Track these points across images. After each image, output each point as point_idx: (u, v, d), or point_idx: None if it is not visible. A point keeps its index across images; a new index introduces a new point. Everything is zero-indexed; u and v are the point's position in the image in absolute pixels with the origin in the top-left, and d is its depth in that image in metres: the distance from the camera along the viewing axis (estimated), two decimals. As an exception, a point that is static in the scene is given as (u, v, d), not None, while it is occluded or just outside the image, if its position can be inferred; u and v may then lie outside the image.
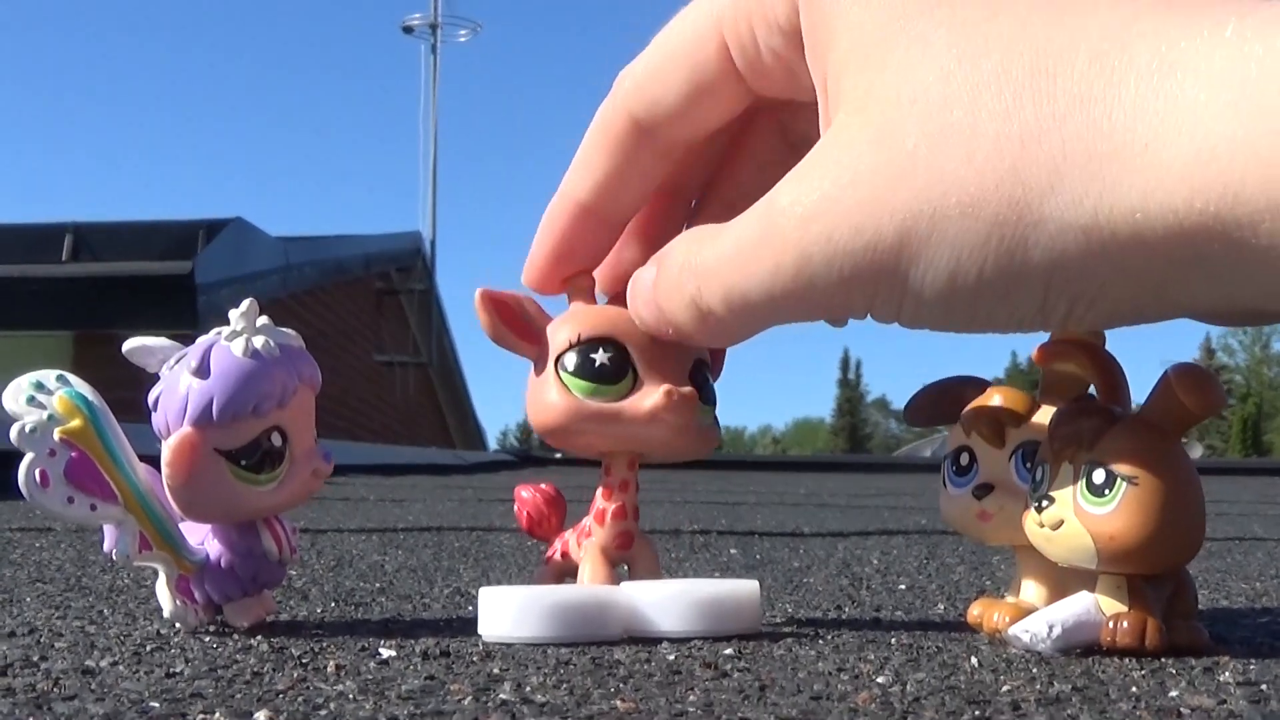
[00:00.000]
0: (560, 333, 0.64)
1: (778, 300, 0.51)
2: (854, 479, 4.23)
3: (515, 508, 0.70)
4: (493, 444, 20.90)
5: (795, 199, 0.50)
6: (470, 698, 0.45)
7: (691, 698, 0.46)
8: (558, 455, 6.03)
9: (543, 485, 0.70)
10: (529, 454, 6.16)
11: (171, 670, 0.51)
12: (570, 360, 0.63)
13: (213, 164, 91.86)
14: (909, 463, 6.21)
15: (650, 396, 0.62)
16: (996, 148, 0.45)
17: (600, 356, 0.62)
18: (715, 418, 0.65)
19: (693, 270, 0.55)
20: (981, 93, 0.45)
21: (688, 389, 0.62)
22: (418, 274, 12.23)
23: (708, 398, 0.64)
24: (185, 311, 6.94)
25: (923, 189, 0.46)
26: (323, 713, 0.43)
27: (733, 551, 1.25)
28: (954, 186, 0.45)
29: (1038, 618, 0.56)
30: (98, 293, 7.35)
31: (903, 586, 0.90)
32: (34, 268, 7.52)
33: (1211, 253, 0.42)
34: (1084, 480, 0.55)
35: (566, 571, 0.67)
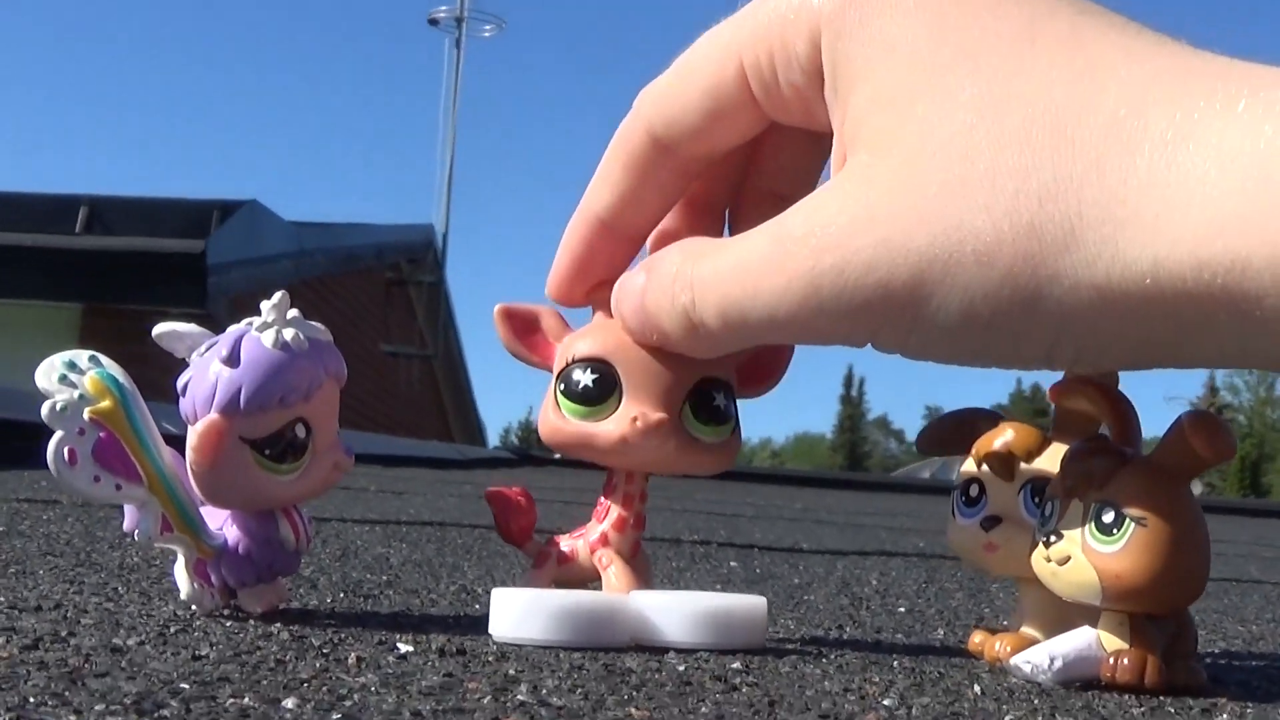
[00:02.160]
0: (566, 348, 0.65)
1: (778, 322, 0.52)
2: (852, 496, 4.22)
3: (492, 511, 0.70)
4: (494, 441, 20.90)
5: (809, 230, 0.51)
6: (489, 697, 0.46)
7: (703, 710, 0.47)
8: (556, 456, 6.03)
9: (513, 488, 0.70)
10: (528, 453, 6.15)
11: (197, 653, 0.52)
12: (565, 379, 0.64)
13: (230, 146, 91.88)
14: (907, 483, 6.20)
15: (618, 423, 0.62)
16: (1015, 203, 0.46)
17: (585, 378, 0.63)
18: (732, 432, 0.65)
19: (688, 281, 0.56)
20: (1003, 149, 0.46)
21: (656, 416, 0.62)
22: (428, 266, 12.22)
23: (712, 417, 0.64)
24: (195, 290, 6.93)
25: (940, 234, 0.47)
26: (347, 703, 0.44)
27: (733, 564, 1.26)
28: (970, 235, 0.47)
29: (1039, 649, 0.57)
30: (109, 267, 7.33)
31: (902, 609, 0.91)
32: (47, 238, 7.51)
33: (1218, 318, 0.44)
34: (1093, 518, 0.56)
35: (564, 578, 0.67)
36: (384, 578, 0.87)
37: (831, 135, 0.54)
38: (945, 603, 0.98)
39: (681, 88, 0.59)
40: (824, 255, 0.50)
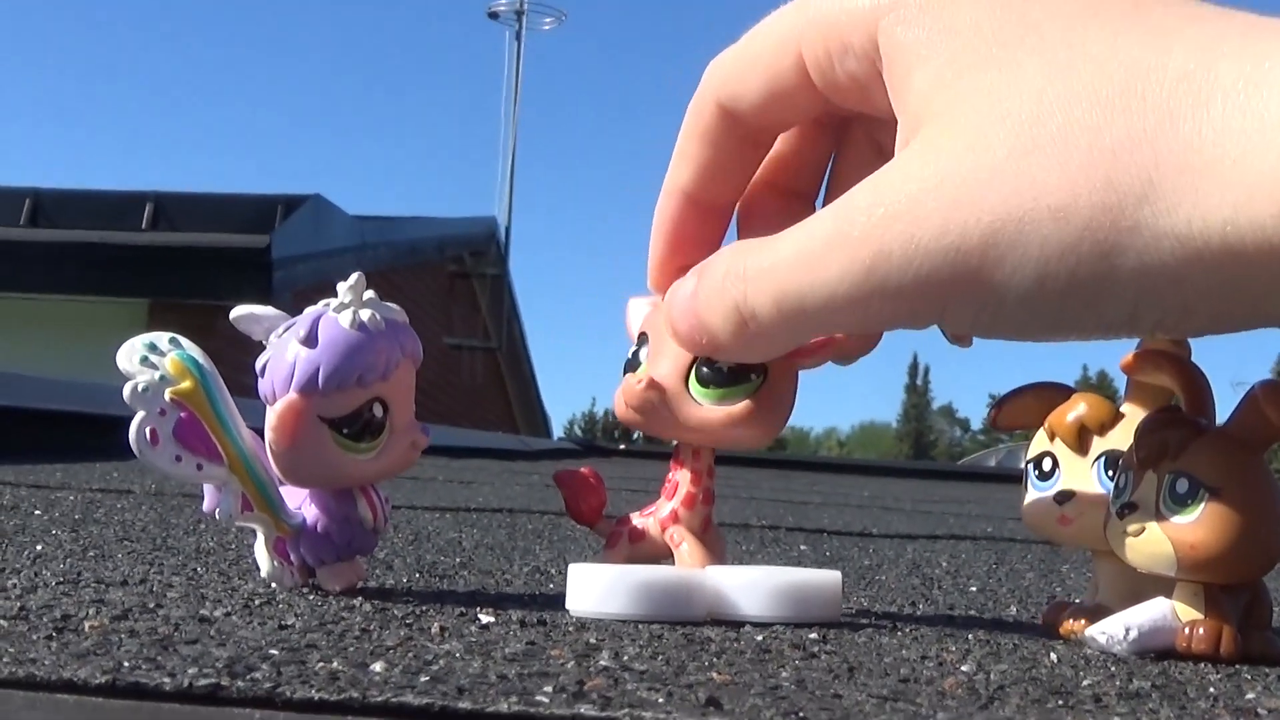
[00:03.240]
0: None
1: (839, 303, 0.51)
2: (919, 485, 4.22)
3: (562, 493, 0.71)
4: (558, 432, 20.93)
5: (876, 200, 0.50)
6: (572, 662, 0.47)
7: (784, 674, 0.47)
8: (621, 447, 6.05)
9: (581, 469, 0.71)
10: (593, 444, 6.17)
11: (283, 623, 0.53)
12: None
13: (294, 141, 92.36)
14: (974, 472, 6.18)
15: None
16: (1089, 158, 0.45)
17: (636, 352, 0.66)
18: (755, 391, 0.64)
19: (739, 275, 0.55)
20: (1073, 108, 0.46)
21: (638, 380, 0.63)
22: (491, 259, 12.26)
23: (710, 380, 0.64)
24: (260, 285, 6.98)
25: (1012, 193, 0.47)
26: (434, 668, 0.45)
27: (803, 548, 1.26)
28: (1045, 191, 0.46)
29: (1115, 620, 0.57)
30: (175, 262, 7.39)
31: (974, 588, 0.91)
32: (113, 234, 7.58)
33: None
34: (1167, 489, 0.56)
35: (636, 556, 0.67)
36: (458, 560, 0.88)
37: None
38: (1017, 582, 0.98)
39: (744, 68, 0.59)
40: (892, 224, 0.49)
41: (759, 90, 0.58)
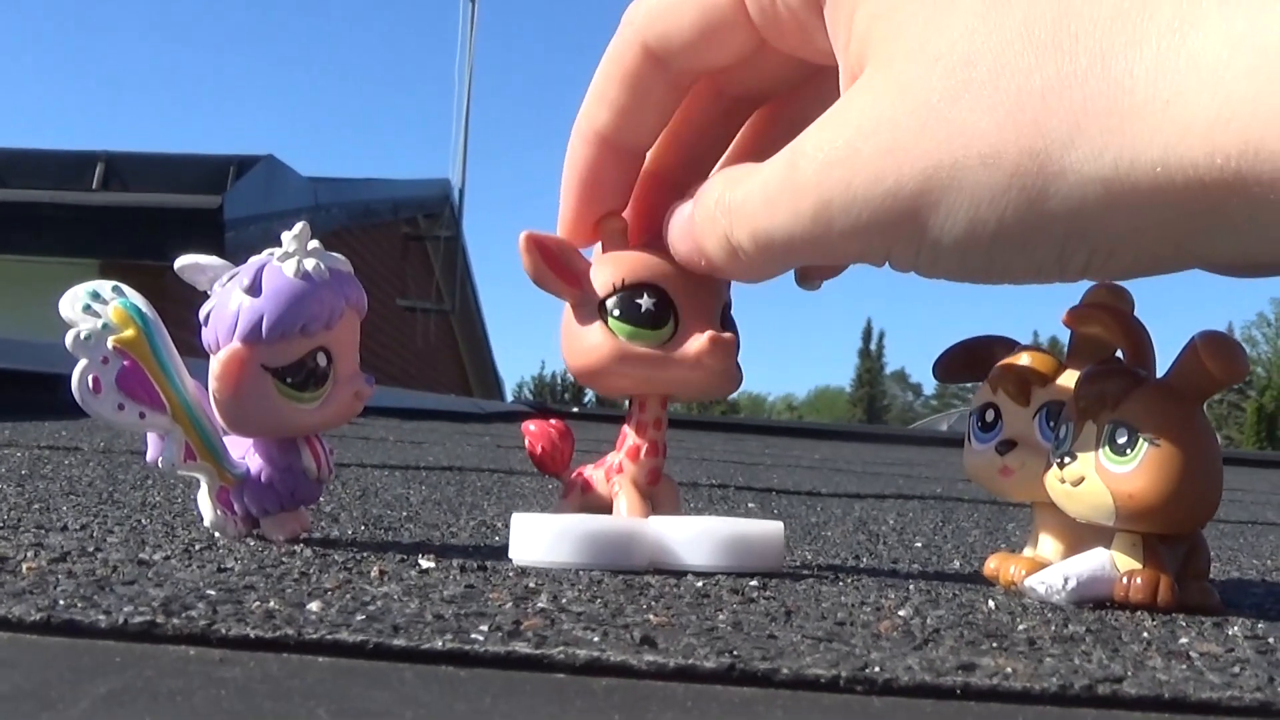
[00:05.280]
0: (602, 276, 0.65)
1: (797, 243, 0.53)
2: (870, 448, 4.22)
3: (526, 441, 0.71)
4: (509, 396, 20.91)
5: (818, 145, 0.51)
6: (510, 604, 0.47)
7: (721, 617, 0.48)
8: (574, 410, 6.05)
9: (551, 420, 0.71)
10: (545, 406, 6.16)
11: (223, 566, 0.53)
12: (615, 304, 0.64)
13: (246, 101, 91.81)
14: (925, 436, 6.20)
15: (696, 342, 0.63)
16: (1018, 102, 0.46)
17: (645, 302, 0.63)
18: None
19: (725, 208, 0.56)
20: (1005, 50, 0.47)
21: (728, 334, 0.64)
22: (445, 221, 12.21)
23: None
24: (213, 246, 6.90)
25: (944, 140, 0.47)
26: (371, 608, 0.45)
27: (750, 505, 1.26)
28: (975, 138, 0.47)
29: (1053, 570, 0.58)
30: (126, 222, 7.34)
31: (919, 544, 0.91)
32: (64, 194, 7.52)
33: (1230, 208, 0.44)
34: (1107, 439, 0.56)
35: (588, 506, 0.68)
36: (404, 514, 0.88)
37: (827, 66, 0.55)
38: (962, 539, 0.98)
39: (676, 5, 0.59)
40: (831, 170, 0.50)
41: (691, 26, 0.58)
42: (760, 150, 0.64)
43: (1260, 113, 0.42)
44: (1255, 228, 0.44)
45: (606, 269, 0.65)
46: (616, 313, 0.64)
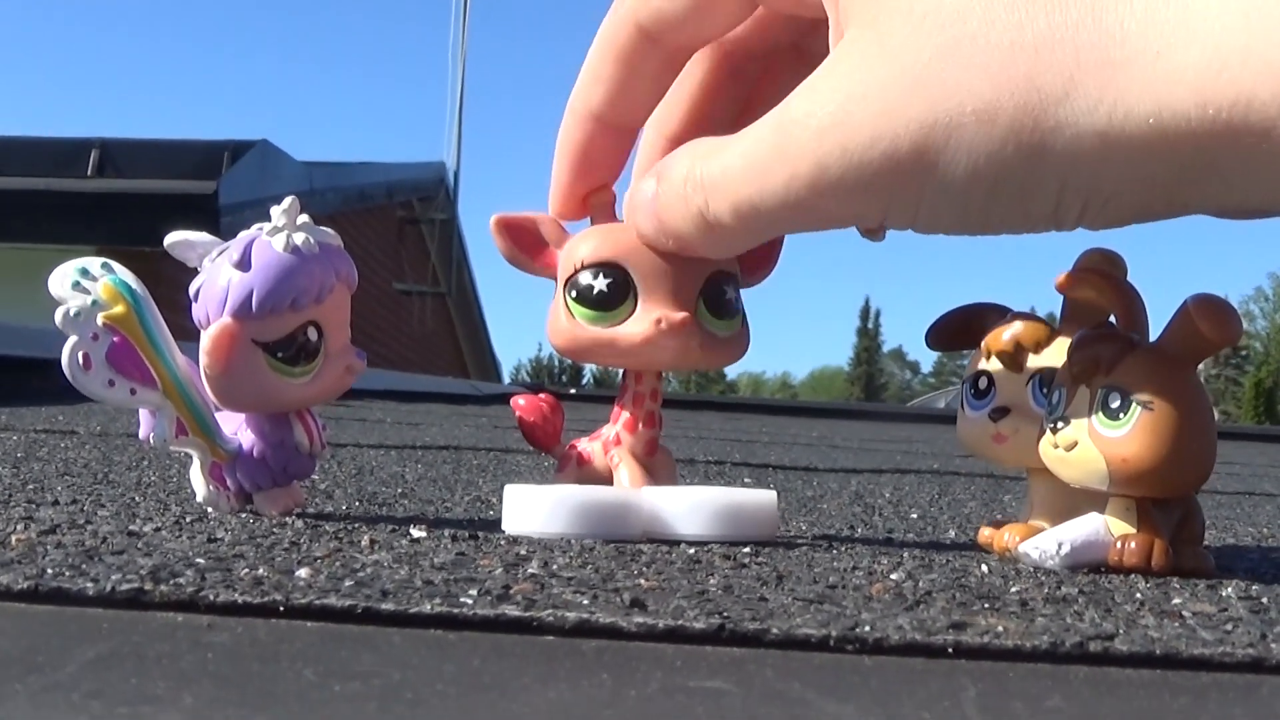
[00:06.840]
0: (570, 254, 0.65)
1: (791, 209, 0.53)
2: (868, 426, 4.22)
3: (516, 415, 0.71)
4: (506, 378, 20.92)
5: (809, 111, 0.51)
6: (501, 570, 0.47)
7: (712, 581, 0.48)
8: (572, 391, 6.05)
9: (539, 395, 0.71)
10: (543, 387, 6.17)
11: (213, 537, 0.53)
12: (571, 285, 0.64)
13: (240, 86, 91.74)
14: (923, 413, 6.20)
15: (640, 324, 0.63)
16: (1011, 57, 0.46)
17: (599, 284, 0.63)
18: (741, 324, 0.66)
19: (698, 183, 0.56)
20: (995, 5, 0.46)
21: (679, 315, 0.62)
22: (440, 204, 12.19)
23: (724, 310, 0.65)
24: (208, 231, 6.89)
25: (938, 99, 0.47)
26: (360, 574, 0.45)
27: (747, 480, 1.27)
28: (969, 96, 0.47)
29: (1048, 536, 0.58)
30: (121, 209, 7.32)
31: (914, 515, 0.91)
32: (59, 181, 7.51)
33: (1223, 157, 0.44)
34: (1100, 404, 0.56)
35: (585, 480, 0.68)
36: (399, 490, 0.88)
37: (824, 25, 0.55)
38: (958, 510, 0.98)
39: None
40: (826, 136, 0.50)
41: (683, 1, 0.58)
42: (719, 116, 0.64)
43: (1251, 63, 0.42)
44: (1248, 177, 0.44)
45: (575, 246, 0.65)
46: (573, 294, 0.64)
